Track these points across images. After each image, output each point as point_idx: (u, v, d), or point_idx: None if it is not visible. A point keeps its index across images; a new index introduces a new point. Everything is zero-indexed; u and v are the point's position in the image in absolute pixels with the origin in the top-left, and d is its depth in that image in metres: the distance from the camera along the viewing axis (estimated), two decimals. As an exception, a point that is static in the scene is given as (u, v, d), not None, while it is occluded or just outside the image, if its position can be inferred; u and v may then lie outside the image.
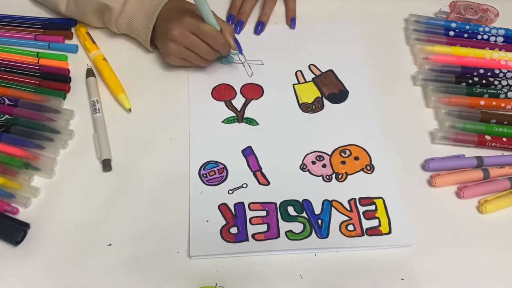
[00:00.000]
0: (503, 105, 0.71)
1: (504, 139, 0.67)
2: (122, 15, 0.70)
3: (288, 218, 0.59)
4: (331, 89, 0.73)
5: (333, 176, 0.63)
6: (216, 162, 0.64)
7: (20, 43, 0.74)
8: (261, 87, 0.72)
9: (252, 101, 0.70)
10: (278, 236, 0.58)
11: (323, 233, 0.58)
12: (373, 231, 0.59)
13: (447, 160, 0.65)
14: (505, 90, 0.72)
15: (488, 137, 0.67)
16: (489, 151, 0.67)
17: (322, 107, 0.70)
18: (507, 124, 0.69)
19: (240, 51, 0.73)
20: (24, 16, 0.77)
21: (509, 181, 0.63)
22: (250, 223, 0.59)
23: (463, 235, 0.60)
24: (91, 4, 0.71)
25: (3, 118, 0.65)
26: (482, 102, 0.71)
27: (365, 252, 0.58)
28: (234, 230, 0.58)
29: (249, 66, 0.75)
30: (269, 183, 0.62)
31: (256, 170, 0.63)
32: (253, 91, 0.71)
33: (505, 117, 0.70)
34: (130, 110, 0.68)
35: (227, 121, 0.68)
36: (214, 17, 0.66)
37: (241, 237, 0.57)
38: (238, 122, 0.68)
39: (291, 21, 0.80)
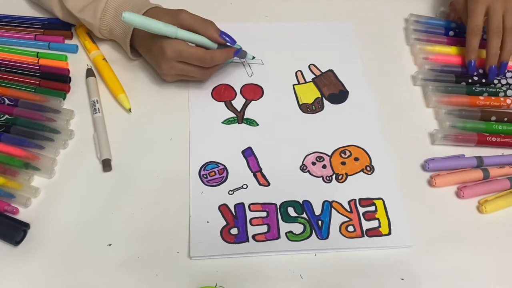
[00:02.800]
0: (502, 103, 0.71)
1: (503, 135, 0.68)
2: (103, 28, 0.70)
3: (288, 219, 0.59)
4: (331, 89, 0.73)
5: (333, 177, 0.64)
6: (216, 163, 0.64)
7: (20, 43, 0.74)
8: (261, 87, 0.72)
9: (252, 101, 0.70)
10: (279, 237, 0.58)
11: (323, 234, 0.58)
12: (373, 232, 0.59)
13: (447, 160, 0.65)
14: (505, 89, 0.73)
15: (487, 135, 0.68)
16: (489, 151, 0.67)
17: (322, 107, 0.71)
18: (507, 121, 0.70)
19: (233, 43, 0.67)
20: (24, 16, 0.77)
21: (509, 181, 0.63)
22: (251, 224, 0.59)
23: (463, 235, 0.60)
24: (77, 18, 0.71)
25: (3, 118, 0.65)
26: (482, 98, 0.71)
27: (365, 252, 0.58)
28: (234, 231, 0.58)
29: (249, 66, 0.75)
30: (269, 184, 0.62)
31: (256, 171, 0.63)
32: (253, 92, 0.71)
33: (505, 115, 0.70)
34: (130, 110, 0.68)
35: (227, 121, 0.68)
36: (192, 33, 0.64)
37: (241, 238, 0.57)
38: (238, 123, 0.68)
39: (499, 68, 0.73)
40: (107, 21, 0.69)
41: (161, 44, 0.65)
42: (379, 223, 0.60)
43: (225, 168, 0.63)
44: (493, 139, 0.67)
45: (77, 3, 0.70)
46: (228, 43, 0.67)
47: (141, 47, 0.70)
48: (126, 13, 0.61)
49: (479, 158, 0.65)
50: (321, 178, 0.63)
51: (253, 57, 0.73)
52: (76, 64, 0.73)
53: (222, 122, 0.68)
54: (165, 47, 0.64)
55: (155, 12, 0.67)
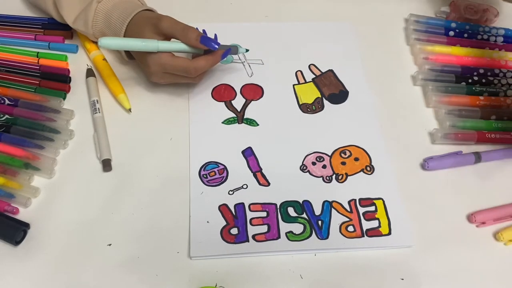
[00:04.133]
0: (502, 103, 0.71)
1: (502, 132, 0.68)
2: (96, 34, 0.70)
3: (288, 219, 0.59)
4: (331, 89, 0.73)
5: (333, 177, 0.64)
6: (216, 163, 0.64)
7: (20, 43, 0.74)
8: (261, 87, 0.72)
9: (252, 101, 0.70)
10: (279, 237, 0.58)
11: (323, 234, 0.58)
12: (373, 232, 0.59)
13: (446, 158, 0.65)
14: (505, 89, 0.73)
15: (487, 132, 0.68)
16: (488, 147, 0.68)
17: (322, 107, 0.71)
18: (507, 120, 0.70)
19: (214, 48, 0.63)
20: (24, 16, 0.77)
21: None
22: (251, 224, 0.59)
23: (463, 235, 0.60)
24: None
25: (3, 118, 0.65)
26: (482, 98, 0.71)
27: (365, 252, 0.58)
28: (234, 231, 0.58)
29: (249, 66, 0.75)
30: (269, 184, 0.62)
31: (256, 171, 0.63)
32: (253, 92, 0.71)
33: (505, 114, 0.70)
34: (130, 110, 0.68)
35: (227, 121, 0.68)
36: (173, 43, 0.63)
37: (241, 238, 0.57)
38: (238, 123, 0.68)
39: None
40: (99, 27, 0.69)
41: (145, 58, 0.64)
42: (379, 223, 0.60)
43: (225, 168, 0.63)
44: (493, 136, 0.67)
45: (70, 13, 0.70)
46: (210, 48, 0.63)
47: (133, 52, 0.69)
48: (102, 39, 0.61)
49: (477, 154, 0.65)
50: (321, 178, 0.63)
51: (247, 50, 0.71)
52: (76, 64, 0.73)
53: (222, 122, 0.68)
54: (149, 62, 0.64)
55: (138, 22, 0.65)
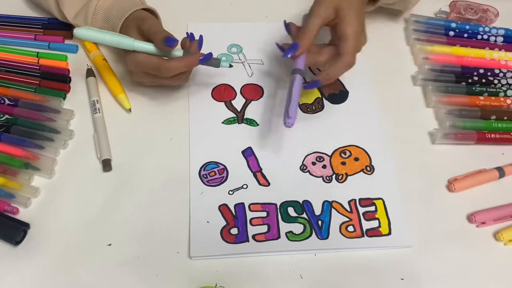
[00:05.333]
0: (502, 103, 0.71)
1: (502, 132, 0.68)
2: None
3: (288, 219, 0.59)
4: (331, 89, 0.72)
5: (333, 177, 0.64)
6: (216, 163, 0.64)
7: (20, 43, 0.74)
8: (261, 87, 0.72)
9: (252, 101, 0.70)
10: (279, 237, 0.58)
11: (323, 234, 0.58)
12: (373, 232, 0.59)
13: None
14: (505, 89, 0.73)
15: (487, 132, 0.68)
16: (490, 149, 0.67)
17: (322, 107, 0.71)
18: (507, 120, 0.70)
19: (171, 45, 0.61)
20: (24, 16, 0.77)
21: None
22: (251, 224, 0.59)
23: (463, 235, 0.60)
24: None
25: (3, 118, 0.65)
26: (482, 98, 0.71)
27: (365, 252, 0.58)
28: (234, 231, 0.58)
29: (249, 66, 0.74)
30: (269, 184, 0.62)
31: (256, 171, 0.63)
32: (253, 92, 0.71)
33: (505, 114, 0.70)
34: (130, 110, 0.68)
35: (227, 122, 0.68)
36: (148, 44, 0.63)
37: (241, 238, 0.57)
38: (238, 123, 0.68)
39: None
40: (98, 24, 0.69)
41: (124, 56, 0.65)
42: (379, 223, 0.60)
43: (225, 168, 0.63)
44: (493, 136, 0.67)
45: (71, 9, 0.70)
46: (168, 46, 0.62)
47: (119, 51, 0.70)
48: (78, 29, 0.61)
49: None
50: (321, 178, 0.63)
51: (230, 66, 0.66)
52: (76, 64, 0.73)
53: (222, 122, 0.68)
54: (126, 59, 0.65)
55: (129, 21, 0.66)
